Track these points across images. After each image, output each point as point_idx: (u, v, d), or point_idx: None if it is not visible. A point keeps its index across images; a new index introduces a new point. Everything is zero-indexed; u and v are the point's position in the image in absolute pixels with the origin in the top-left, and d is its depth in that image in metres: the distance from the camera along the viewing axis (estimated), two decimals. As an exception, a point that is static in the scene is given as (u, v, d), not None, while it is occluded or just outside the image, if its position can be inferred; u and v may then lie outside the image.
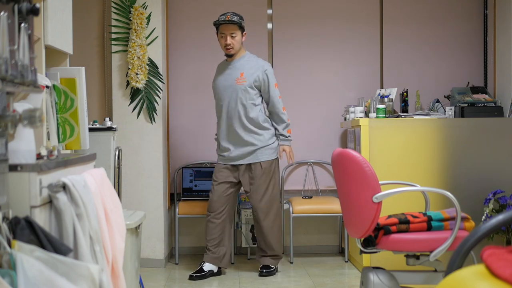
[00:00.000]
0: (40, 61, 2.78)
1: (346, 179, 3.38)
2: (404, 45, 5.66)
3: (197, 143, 5.59)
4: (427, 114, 4.87)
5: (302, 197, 5.40)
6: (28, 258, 1.72)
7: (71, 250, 1.93)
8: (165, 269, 5.05)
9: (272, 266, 4.76)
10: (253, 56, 4.79)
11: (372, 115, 4.83)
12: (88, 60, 5.13)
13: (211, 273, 4.69)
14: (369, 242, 3.38)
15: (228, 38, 4.67)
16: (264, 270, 4.73)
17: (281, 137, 4.78)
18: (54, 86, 2.89)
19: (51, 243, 1.84)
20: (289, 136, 4.81)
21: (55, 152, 2.26)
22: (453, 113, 4.88)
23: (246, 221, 5.34)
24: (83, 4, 5.09)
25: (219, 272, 4.75)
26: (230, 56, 4.75)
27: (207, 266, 4.70)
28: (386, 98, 4.96)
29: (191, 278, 4.62)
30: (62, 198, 2.03)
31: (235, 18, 4.66)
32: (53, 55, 3.10)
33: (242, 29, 4.71)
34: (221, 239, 4.74)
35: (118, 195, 3.44)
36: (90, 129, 3.43)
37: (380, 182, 3.29)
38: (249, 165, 4.70)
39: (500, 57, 5.28)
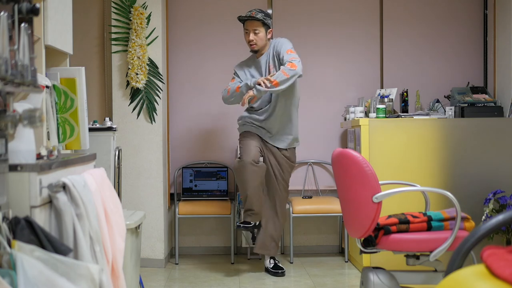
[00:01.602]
0: (40, 61, 2.78)
1: (346, 179, 3.38)
2: (404, 45, 5.66)
3: (197, 143, 5.59)
4: (427, 114, 4.87)
5: (302, 197, 5.40)
6: (28, 258, 1.72)
7: (71, 250, 1.93)
8: (165, 269, 5.05)
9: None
10: (272, 43, 4.75)
11: (372, 115, 4.83)
12: (88, 60, 5.13)
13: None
14: (369, 242, 3.38)
15: (251, 34, 4.69)
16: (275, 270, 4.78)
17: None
18: (54, 86, 2.89)
19: (51, 243, 1.84)
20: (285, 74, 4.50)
21: (55, 152, 2.26)
22: (453, 113, 4.88)
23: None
24: (83, 4, 5.09)
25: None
26: (255, 52, 4.76)
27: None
28: (386, 98, 4.96)
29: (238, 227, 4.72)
30: (62, 198, 2.03)
31: (259, 15, 4.67)
32: (53, 55, 3.10)
33: (267, 26, 4.70)
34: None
35: (118, 195, 3.45)
36: (90, 129, 3.44)
37: (380, 182, 3.29)
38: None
39: (500, 57, 5.28)
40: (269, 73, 4.70)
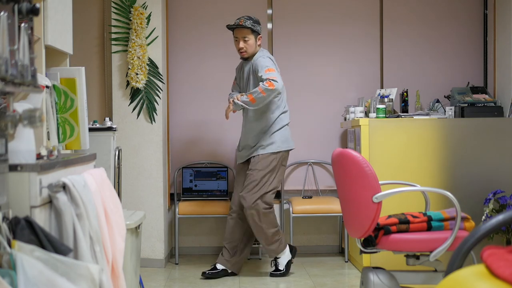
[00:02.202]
0: (40, 61, 2.78)
1: (346, 179, 3.38)
2: (404, 45, 5.66)
3: (197, 143, 5.59)
4: (427, 114, 4.87)
5: (302, 197, 5.40)
6: (28, 258, 1.72)
7: (71, 250, 1.93)
8: (165, 269, 5.05)
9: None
10: (255, 57, 4.73)
11: (372, 115, 4.83)
12: (88, 60, 5.13)
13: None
14: (369, 242, 3.38)
15: (241, 42, 4.68)
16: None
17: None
18: (54, 86, 2.89)
19: (51, 243, 1.84)
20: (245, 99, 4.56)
21: (55, 152, 2.26)
22: (453, 113, 4.88)
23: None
24: (83, 4, 5.09)
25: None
26: (245, 59, 4.76)
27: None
28: (386, 98, 4.96)
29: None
30: (62, 198, 2.03)
31: (248, 23, 4.65)
32: (53, 55, 3.10)
33: (256, 33, 4.69)
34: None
35: (118, 195, 3.44)
36: (90, 129, 3.44)
37: (380, 182, 3.29)
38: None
39: (500, 57, 5.28)
40: (248, 83, 4.71)
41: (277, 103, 4.67)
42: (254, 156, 4.68)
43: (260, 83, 4.51)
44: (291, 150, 4.78)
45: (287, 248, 4.72)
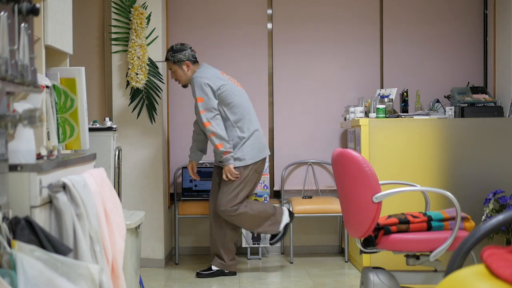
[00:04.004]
0: (40, 61, 2.78)
1: (346, 179, 3.38)
2: (404, 45, 5.66)
3: (197, 143, 5.58)
4: (427, 114, 4.87)
5: (302, 197, 5.40)
6: (28, 258, 1.72)
7: (71, 250, 1.93)
8: (165, 269, 5.05)
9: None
10: (194, 75, 4.69)
11: (372, 115, 4.83)
12: (88, 60, 5.13)
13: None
14: (369, 242, 3.38)
15: (171, 74, 4.78)
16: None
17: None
18: (54, 86, 2.89)
19: (51, 243, 1.84)
20: (221, 152, 4.59)
21: (55, 152, 2.26)
22: (453, 113, 4.88)
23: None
24: (83, 4, 5.09)
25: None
26: (185, 86, 4.81)
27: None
28: (386, 98, 4.96)
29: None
30: (62, 198, 2.03)
31: (168, 55, 4.70)
32: (53, 55, 3.10)
33: (177, 62, 4.68)
34: None
35: (118, 195, 3.45)
36: (90, 129, 3.44)
37: (380, 182, 3.29)
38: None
39: (500, 57, 5.28)
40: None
41: (228, 119, 4.64)
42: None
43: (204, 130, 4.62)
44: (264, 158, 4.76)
45: (284, 214, 4.76)
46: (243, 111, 4.67)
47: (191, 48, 4.75)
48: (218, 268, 4.72)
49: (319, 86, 5.65)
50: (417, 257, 3.42)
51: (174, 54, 4.68)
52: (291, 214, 4.81)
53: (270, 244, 4.82)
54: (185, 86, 4.81)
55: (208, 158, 5.58)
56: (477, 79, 5.62)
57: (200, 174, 5.44)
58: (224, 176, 4.61)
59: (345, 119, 5.35)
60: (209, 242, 4.86)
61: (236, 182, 4.62)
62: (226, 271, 4.72)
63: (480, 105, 4.93)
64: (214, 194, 4.79)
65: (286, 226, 4.77)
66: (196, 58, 4.75)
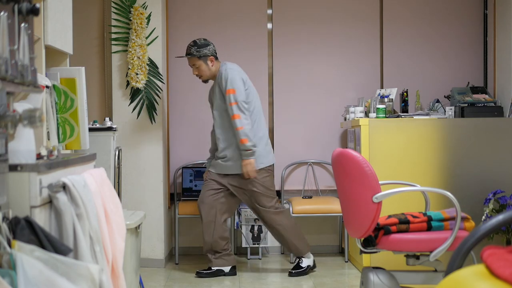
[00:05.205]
0: (40, 61, 2.78)
1: (346, 179, 3.38)
2: (404, 45, 5.66)
3: (197, 143, 5.59)
4: (427, 114, 4.87)
5: (302, 197, 5.40)
6: (28, 258, 1.72)
7: (71, 250, 1.93)
8: (165, 269, 5.05)
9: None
10: (219, 72, 4.70)
11: (372, 115, 4.83)
12: (88, 60, 5.13)
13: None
14: (369, 242, 3.38)
15: (193, 69, 4.74)
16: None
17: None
18: (54, 86, 2.89)
19: (51, 243, 1.84)
20: (245, 147, 4.56)
21: (55, 152, 2.26)
22: (453, 113, 4.88)
23: (246, 221, 5.34)
24: (83, 4, 5.09)
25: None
26: (205, 82, 4.79)
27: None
28: (386, 98, 4.96)
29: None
30: (62, 198, 2.03)
31: (192, 49, 4.67)
32: (53, 55, 3.10)
33: (204, 57, 4.67)
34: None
35: (118, 195, 3.45)
36: (90, 129, 3.44)
37: (380, 182, 3.29)
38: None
39: (500, 57, 5.28)
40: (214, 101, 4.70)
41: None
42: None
43: (233, 123, 4.54)
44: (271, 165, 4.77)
45: (310, 255, 4.79)
46: (255, 116, 4.69)
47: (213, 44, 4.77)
48: (217, 268, 4.71)
49: (319, 86, 5.65)
50: (417, 257, 3.42)
51: (199, 49, 4.66)
52: (314, 263, 4.82)
53: (290, 274, 4.72)
54: (205, 81, 4.78)
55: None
56: (477, 79, 5.62)
57: (200, 174, 5.44)
58: (243, 170, 4.56)
59: (345, 119, 5.35)
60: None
61: (260, 187, 4.63)
62: (226, 271, 4.72)
63: (480, 105, 4.93)
64: (206, 200, 4.72)
65: (308, 268, 4.74)
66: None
